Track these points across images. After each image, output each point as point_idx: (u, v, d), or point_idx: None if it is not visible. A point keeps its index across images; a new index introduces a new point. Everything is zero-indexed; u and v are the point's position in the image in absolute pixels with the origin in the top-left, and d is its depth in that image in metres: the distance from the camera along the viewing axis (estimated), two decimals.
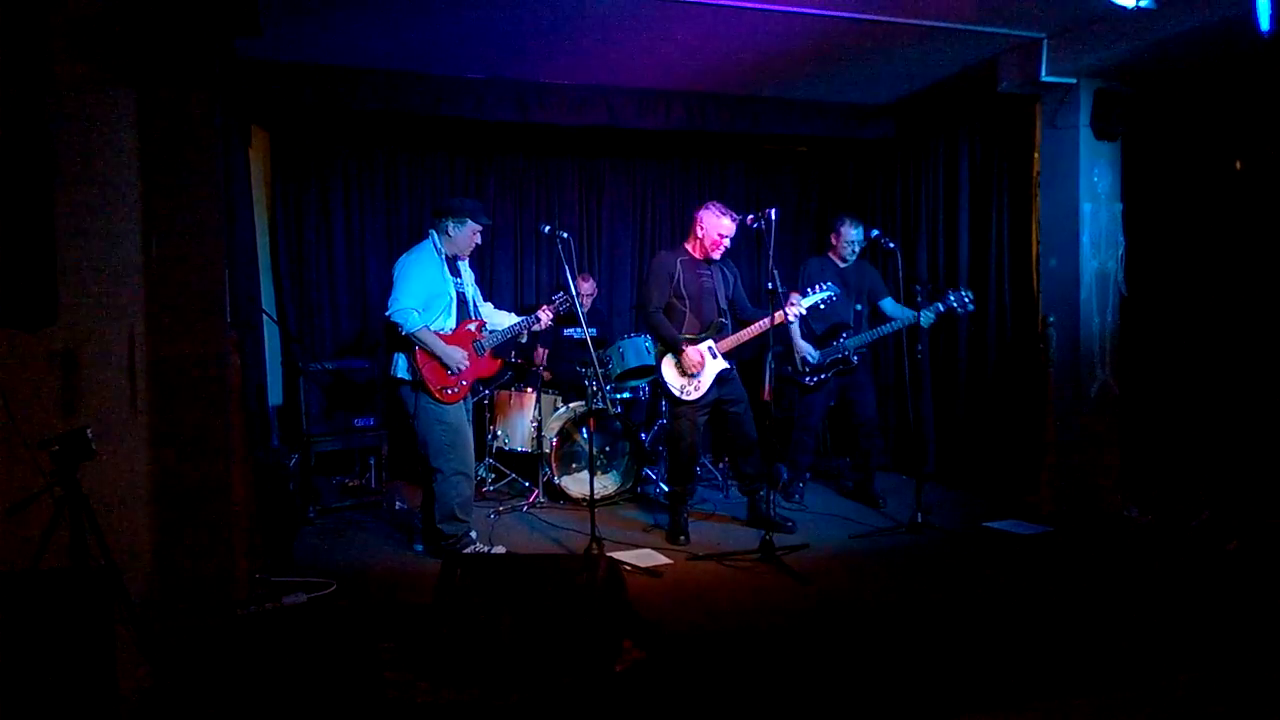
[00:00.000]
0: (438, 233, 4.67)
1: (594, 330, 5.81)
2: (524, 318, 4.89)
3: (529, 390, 6.19)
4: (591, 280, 6.76)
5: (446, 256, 4.67)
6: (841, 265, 5.86)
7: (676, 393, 4.99)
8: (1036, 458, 5.73)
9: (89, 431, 2.97)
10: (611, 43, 5.21)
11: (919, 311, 5.36)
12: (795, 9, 4.67)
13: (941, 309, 5.39)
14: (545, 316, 4.82)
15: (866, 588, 4.27)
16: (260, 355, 5.47)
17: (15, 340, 3.30)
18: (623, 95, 6.13)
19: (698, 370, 4.93)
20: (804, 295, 5.06)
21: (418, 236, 6.79)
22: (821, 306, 5.14)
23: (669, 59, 5.56)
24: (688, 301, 5.01)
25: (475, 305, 4.83)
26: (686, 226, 7.44)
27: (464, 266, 4.81)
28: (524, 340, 5.08)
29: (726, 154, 7.65)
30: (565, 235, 4.57)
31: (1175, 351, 5.39)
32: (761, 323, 4.92)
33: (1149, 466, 5.48)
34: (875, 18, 4.80)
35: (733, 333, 5.06)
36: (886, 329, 5.63)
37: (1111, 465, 5.51)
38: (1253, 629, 3.61)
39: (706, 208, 5.06)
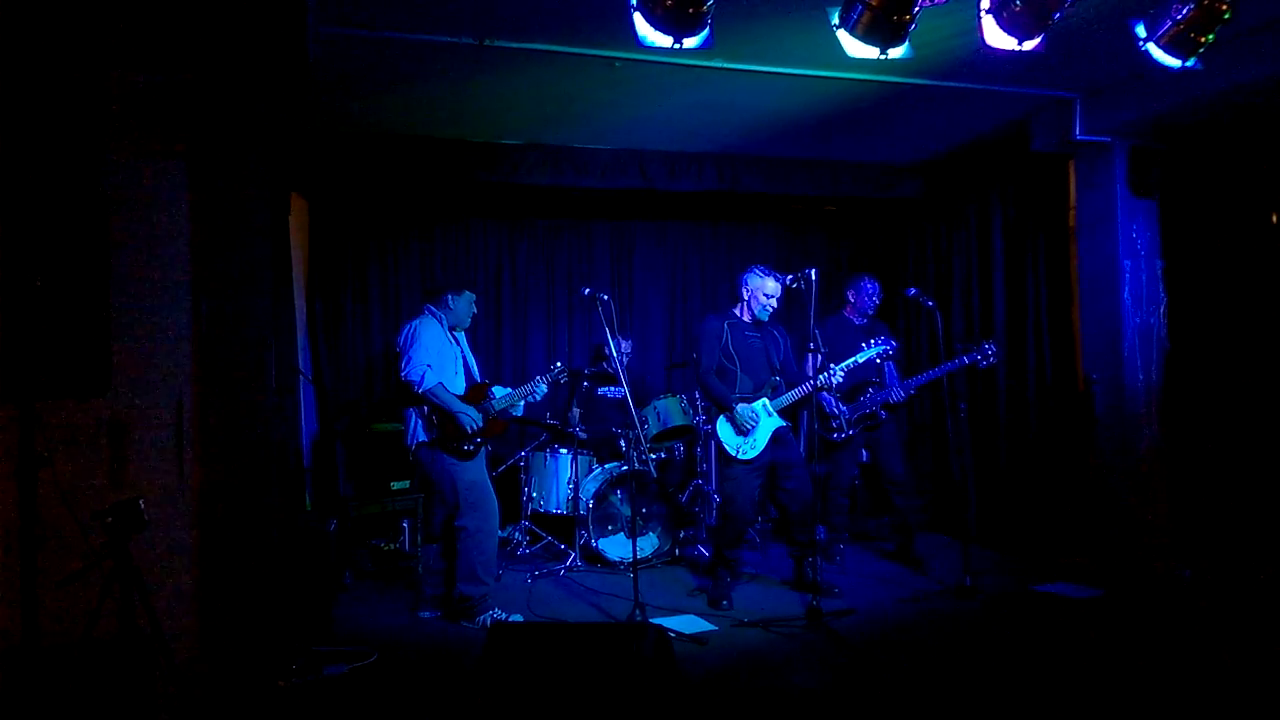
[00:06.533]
0: (436, 307, 4.82)
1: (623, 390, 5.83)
2: (522, 387, 5.02)
3: (564, 451, 6.15)
4: (628, 340, 6.76)
5: (446, 328, 4.81)
6: (858, 323, 5.88)
7: (732, 452, 4.94)
8: (1083, 517, 5.61)
9: (141, 502, 2.96)
10: (645, 108, 5.28)
11: (941, 365, 5.36)
12: (827, 73, 4.72)
13: (966, 361, 5.34)
14: (541, 387, 4.99)
15: (923, 657, 4.13)
16: (298, 420, 5.49)
17: (68, 410, 3.33)
18: (655, 158, 6.21)
19: (753, 426, 4.89)
20: (859, 352, 5.08)
21: None
22: (878, 360, 5.17)
23: (701, 123, 5.64)
24: (738, 363, 5.00)
25: (476, 372, 4.96)
26: (718, 286, 7.63)
27: (461, 337, 4.94)
28: (518, 413, 5.19)
29: (756, 215, 7.69)
30: (605, 297, 4.63)
31: (1224, 406, 5.29)
32: (812, 382, 4.89)
33: (1200, 525, 5.34)
34: (906, 80, 4.84)
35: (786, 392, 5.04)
36: (915, 382, 5.60)
37: (1161, 524, 5.38)
38: None
39: (750, 271, 5.09)
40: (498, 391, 4.96)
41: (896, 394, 5.54)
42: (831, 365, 4.96)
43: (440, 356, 4.68)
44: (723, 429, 4.98)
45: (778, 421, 4.96)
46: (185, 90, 3.61)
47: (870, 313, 5.94)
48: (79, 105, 3.24)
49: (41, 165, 2.92)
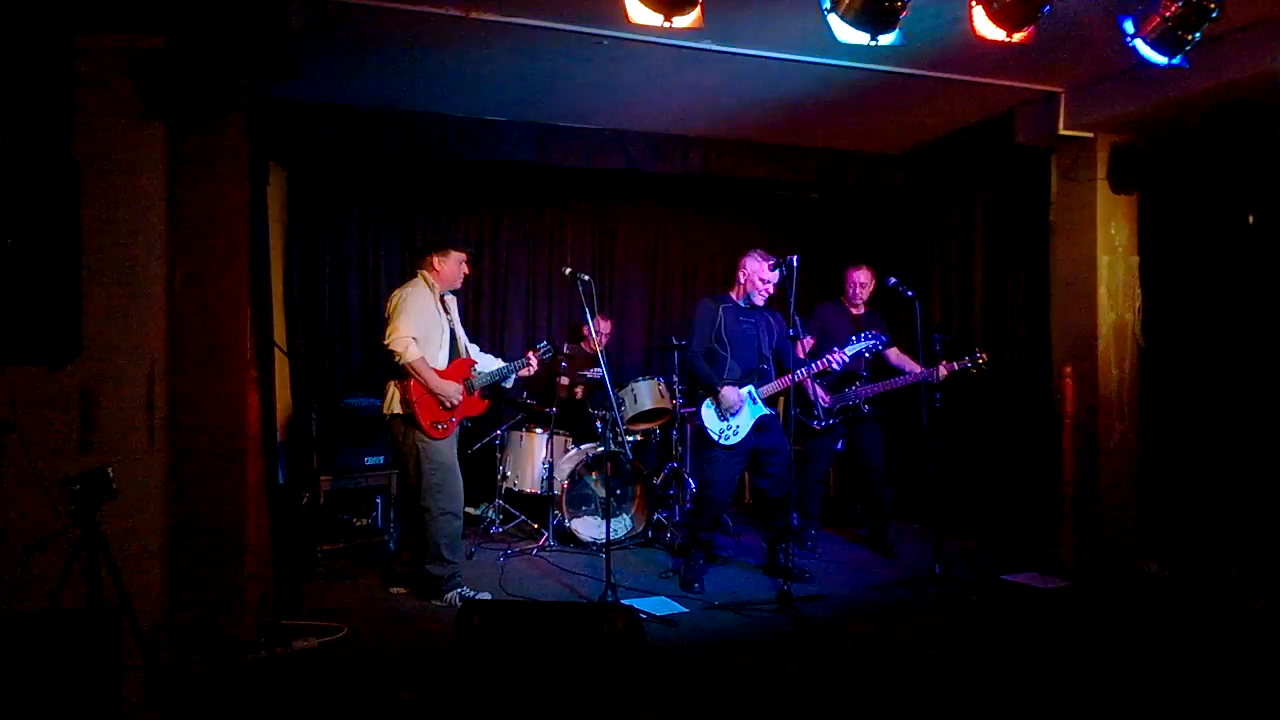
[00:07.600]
0: (426, 270, 4.70)
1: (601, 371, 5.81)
2: (512, 363, 4.96)
3: (539, 431, 6.14)
4: (609, 321, 6.75)
5: (438, 294, 4.70)
6: (854, 312, 5.88)
7: (715, 436, 4.94)
8: (1053, 509, 5.67)
9: (110, 470, 2.91)
10: (631, 88, 5.24)
11: (935, 367, 5.32)
12: (816, 59, 4.70)
13: (956, 368, 5.36)
14: (534, 362, 4.94)
15: (892, 642, 4.17)
16: (271, 392, 5.41)
17: (36, 375, 3.26)
18: (640, 140, 6.16)
19: (736, 410, 4.88)
20: (848, 344, 5.06)
21: None
22: (866, 355, 5.15)
23: (686, 106, 5.60)
24: (729, 347, 4.99)
25: (464, 344, 4.87)
26: (699, 271, 7.62)
27: (452, 304, 4.84)
28: (508, 385, 5.13)
29: (740, 200, 7.68)
30: (586, 277, 4.60)
31: (1195, 404, 5.36)
32: (800, 371, 4.88)
33: (1169, 520, 5.42)
34: (895, 69, 4.83)
35: (775, 379, 5.04)
36: (899, 382, 5.60)
37: (1130, 519, 5.45)
38: None
39: (750, 255, 5.08)
40: (487, 365, 4.86)
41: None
42: (835, 349, 4.98)
43: (427, 328, 4.57)
44: (707, 413, 4.98)
45: (762, 409, 4.96)
46: (163, 54, 3.53)
47: (859, 303, 5.92)
48: (50, 68, 3.17)
49: (10, 129, 2.86)
